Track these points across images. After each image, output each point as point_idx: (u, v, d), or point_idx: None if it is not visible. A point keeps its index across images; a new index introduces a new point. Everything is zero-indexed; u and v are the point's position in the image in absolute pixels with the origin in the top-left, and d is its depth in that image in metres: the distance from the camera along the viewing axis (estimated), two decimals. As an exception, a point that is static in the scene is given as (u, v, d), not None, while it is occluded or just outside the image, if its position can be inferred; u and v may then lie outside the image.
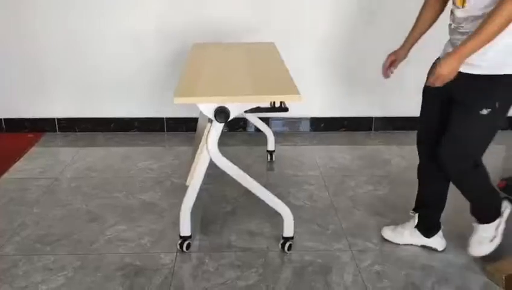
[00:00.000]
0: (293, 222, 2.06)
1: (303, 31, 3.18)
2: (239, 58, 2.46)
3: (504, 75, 1.65)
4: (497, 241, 1.97)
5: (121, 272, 1.93)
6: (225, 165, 1.98)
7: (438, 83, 1.69)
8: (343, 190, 2.63)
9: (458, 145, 1.78)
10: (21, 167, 2.84)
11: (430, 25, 1.93)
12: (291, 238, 2.08)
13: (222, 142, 1.95)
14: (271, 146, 2.97)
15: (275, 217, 2.17)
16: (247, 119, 3.18)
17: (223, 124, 1.89)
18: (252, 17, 3.12)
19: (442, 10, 1.90)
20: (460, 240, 2.17)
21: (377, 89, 3.32)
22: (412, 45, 1.97)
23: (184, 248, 2.05)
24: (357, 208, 2.42)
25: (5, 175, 2.74)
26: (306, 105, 3.43)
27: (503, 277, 1.88)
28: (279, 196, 2.08)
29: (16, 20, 3.08)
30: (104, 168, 2.84)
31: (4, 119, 3.33)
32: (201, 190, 2.02)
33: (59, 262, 1.99)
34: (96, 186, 2.63)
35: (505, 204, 2.00)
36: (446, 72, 1.65)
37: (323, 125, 3.45)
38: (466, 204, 2.48)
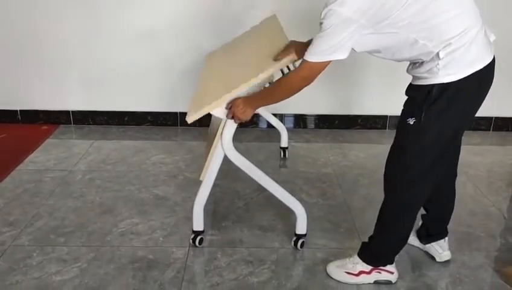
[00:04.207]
0: (306, 219, 2.05)
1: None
2: (245, 48, 2.42)
3: (432, 84, 1.54)
4: (351, 280, 1.86)
5: (134, 265, 1.94)
6: (240, 161, 1.97)
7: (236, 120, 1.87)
8: (356, 188, 2.61)
9: (395, 154, 1.72)
10: (36, 159, 2.87)
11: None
12: (304, 235, 2.07)
13: (234, 138, 1.94)
14: (284, 143, 2.96)
15: (287, 214, 2.16)
16: (260, 115, 3.17)
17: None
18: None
19: None
20: (475, 241, 2.16)
21: (392, 87, 3.27)
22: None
23: (197, 243, 2.05)
24: (371, 206, 2.40)
25: (20, 166, 2.76)
26: (320, 102, 3.43)
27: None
28: (291, 192, 2.07)
29: (31, 14, 3.10)
30: (117, 161, 2.86)
31: (20, 110, 3.36)
32: (213, 185, 2.01)
33: (73, 253, 2.00)
34: (109, 179, 2.64)
35: (395, 274, 1.87)
36: (243, 117, 1.85)
37: (337, 123, 3.43)
38: (479, 207, 2.46)
